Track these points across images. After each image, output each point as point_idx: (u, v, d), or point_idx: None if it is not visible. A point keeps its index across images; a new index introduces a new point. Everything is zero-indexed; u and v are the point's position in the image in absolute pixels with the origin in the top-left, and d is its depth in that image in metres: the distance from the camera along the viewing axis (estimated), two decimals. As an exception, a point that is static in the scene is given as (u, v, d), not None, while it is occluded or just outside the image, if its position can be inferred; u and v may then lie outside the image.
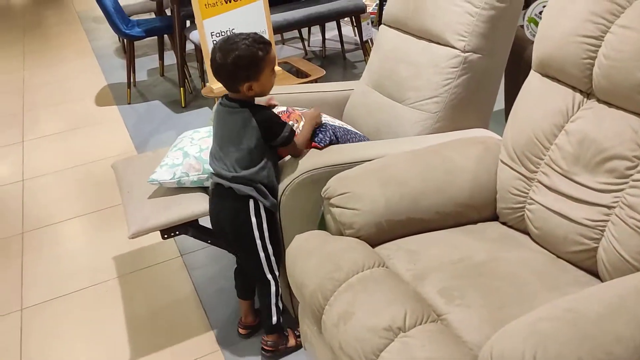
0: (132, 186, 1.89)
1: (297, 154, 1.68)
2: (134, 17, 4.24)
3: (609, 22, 1.28)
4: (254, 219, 1.59)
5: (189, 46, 4.36)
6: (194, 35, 3.45)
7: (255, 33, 1.54)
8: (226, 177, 1.57)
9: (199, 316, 1.99)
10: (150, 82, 4.43)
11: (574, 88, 1.39)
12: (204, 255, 2.30)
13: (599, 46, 1.29)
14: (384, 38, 2.13)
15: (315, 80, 2.64)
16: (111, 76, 4.67)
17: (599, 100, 1.33)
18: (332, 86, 2.30)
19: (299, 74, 2.81)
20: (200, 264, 2.26)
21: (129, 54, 4.00)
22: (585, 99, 1.37)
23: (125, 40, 4.20)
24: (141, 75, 4.56)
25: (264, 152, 1.57)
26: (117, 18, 3.80)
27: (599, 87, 1.31)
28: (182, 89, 3.81)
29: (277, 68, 2.40)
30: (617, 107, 1.28)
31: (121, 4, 4.08)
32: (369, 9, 4.03)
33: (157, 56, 4.55)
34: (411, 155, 1.61)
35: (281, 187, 1.62)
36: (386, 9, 2.14)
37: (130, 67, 4.05)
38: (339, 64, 4.43)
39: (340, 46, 4.52)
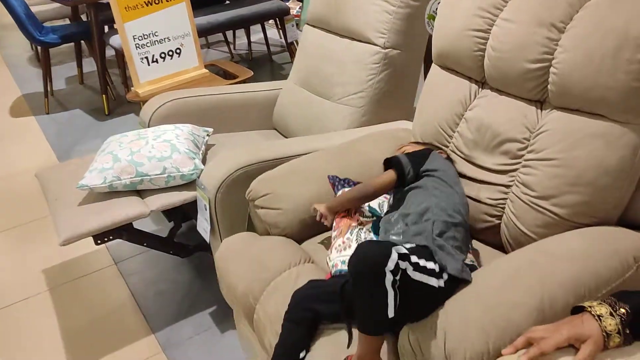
0: (59, 194, 1.85)
1: None
2: (47, 24, 4.08)
3: (494, 15, 1.38)
4: None
5: (109, 52, 4.25)
6: (114, 40, 3.37)
7: None
8: None
9: (138, 321, 1.97)
10: (69, 91, 4.28)
11: (470, 78, 1.50)
12: (140, 261, 2.27)
13: (487, 39, 1.40)
14: (309, 37, 2.19)
15: (244, 81, 2.65)
16: (26, 86, 4.47)
17: (491, 89, 1.44)
18: (260, 86, 2.33)
19: (227, 75, 2.81)
20: (136, 270, 2.22)
21: (44, 61, 3.85)
22: (480, 88, 1.47)
23: (39, 47, 4.03)
24: (59, 84, 4.39)
25: None
26: (29, 24, 3.64)
27: (490, 77, 1.42)
28: (104, 96, 3.71)
29: (204, 71, 2.39)
30: (508, 94, 1.39)
31: (33, 10, 3.92)
32: (293, 12, 4.09)
33: (74, 64, 4.41)
34: (328, 152, 1.67)
35: (215, 184, 1.64)
36: (309, 9, 2.21)
37: (47, 76, 3.90)
38: (266, 66, 4.46)
39: (266, 49, 4.55)
